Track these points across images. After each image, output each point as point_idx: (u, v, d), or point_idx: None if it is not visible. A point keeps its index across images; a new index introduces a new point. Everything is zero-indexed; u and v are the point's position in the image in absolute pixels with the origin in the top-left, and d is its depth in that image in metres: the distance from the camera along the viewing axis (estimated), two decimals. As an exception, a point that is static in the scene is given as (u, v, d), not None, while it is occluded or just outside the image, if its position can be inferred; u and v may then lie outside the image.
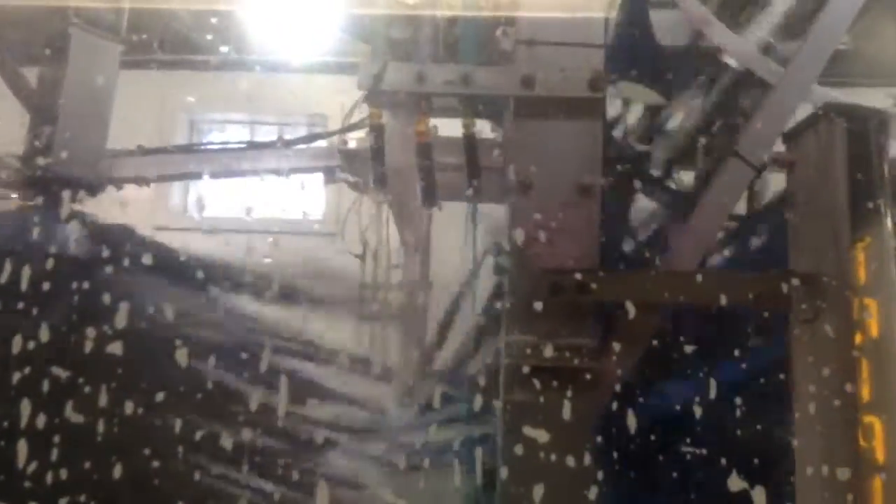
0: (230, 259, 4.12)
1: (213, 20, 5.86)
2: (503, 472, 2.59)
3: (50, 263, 3.17)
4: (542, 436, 2.56)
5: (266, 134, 7.75)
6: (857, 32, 3.78)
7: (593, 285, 2.65)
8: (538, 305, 2.62)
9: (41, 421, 2.85)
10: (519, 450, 2.57)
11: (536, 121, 2.76)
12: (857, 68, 4.63)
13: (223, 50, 6.31)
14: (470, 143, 2.93)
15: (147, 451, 3.11)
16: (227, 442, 3.07)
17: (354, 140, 4.97)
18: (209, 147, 4.69)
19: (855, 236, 2.62)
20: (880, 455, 2.48)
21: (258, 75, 6.74)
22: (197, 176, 4.51)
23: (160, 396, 3.11)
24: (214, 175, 4.37)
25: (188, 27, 6.04)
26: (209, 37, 6.24)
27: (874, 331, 2.59)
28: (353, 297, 5.43)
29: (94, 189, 3.71)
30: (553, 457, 2.51)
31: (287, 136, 7.71)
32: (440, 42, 3.06)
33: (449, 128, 3.31)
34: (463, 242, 3.49)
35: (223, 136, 7.78)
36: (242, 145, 4.60)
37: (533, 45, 2.79)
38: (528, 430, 2.54)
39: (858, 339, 2.58)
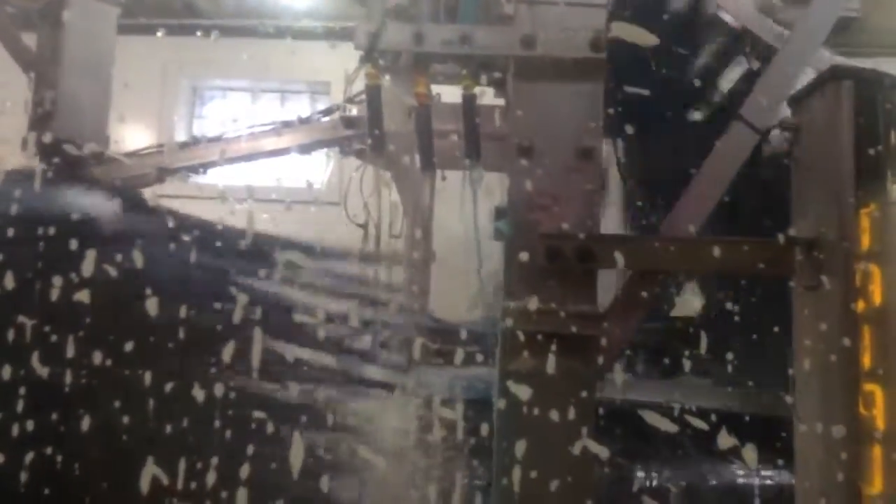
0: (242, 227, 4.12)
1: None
2: (499, 438, 2.57)
3: (57, 228, 3.17)
4: (540, 402, 2.54)
5: (268, 101, 7.71)
6: (865, 2, 3.71)
7: (593, 251, 2.62)
8: (537, 270, 2.59)
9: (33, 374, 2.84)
10: (516, 416, 2.55)
11: (537, 82, 2.70)
12: (866, 38, 4.55)
13: (225, 16, 6.25)
14: (469, 105, 2.88)
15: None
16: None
17: (356, 107, 4.95)
18: (231, 135, 4.65)
19: (859, 202, 2.58)
20: (880, 423, 2.46)
21: (260, 42, 6.69)
22: (224, 164, 4.52)
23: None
24: (240, 161, 4.41)
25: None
26: (211, 2, 6.17)
27: (877, 298, 2.55)
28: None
29: (97, 154, 3.70)
30: (551, 423, 2.49)
31: (289, 104, 7.70)
32: (440, 2, 3.00)
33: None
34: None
35: (225, 102, 7.74)
36: (267, 127, 4.60)
37: (534, 5, 2.73)
38: (525, 396, 2.52)
39: (861, 306, 2.55)
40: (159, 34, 5.89)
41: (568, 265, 2.63)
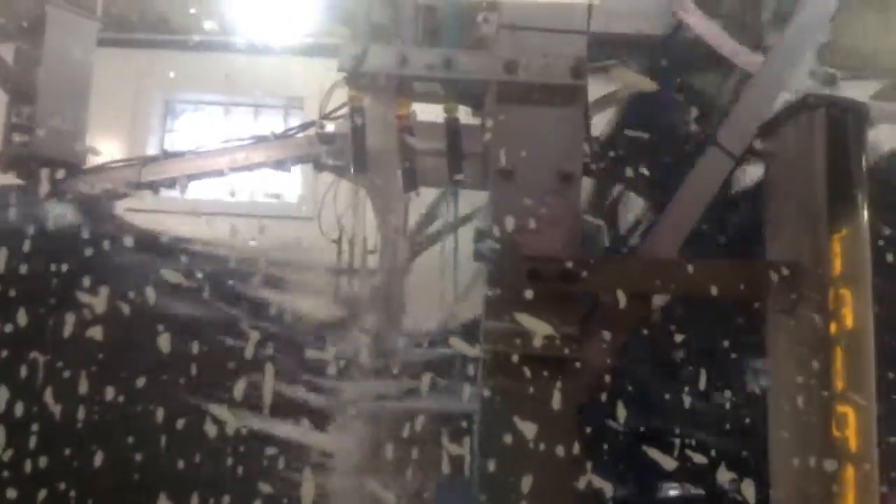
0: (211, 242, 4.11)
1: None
2: (482, 460, 2.58)
3: (34, 242, 3.14)
4: (521, 423, 2.56)
5: (241, 115, 7.68)
6: (836, 25, 3.80)
7: (575, 273, 2.65)
8: (518, 292, 2.61)
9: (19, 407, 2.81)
10: (498, 436, 2.57)
11: (519, 107, 2.74)
12: (836, 61, 4.67)
13: (200, 30, 6.22)
14: (452, 127, 2.90)
15: (128, 438, 3.09)
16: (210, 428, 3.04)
17: (332, 124, 4.96)
18: (205, 149, 4.64)
19: (832, 227, 2.65)
20: (853, 444, 2.52)
21: (234, 57, 6.66)
22: (197, 179, 4.51)
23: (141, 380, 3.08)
24: (213, 175, 4.40)
25: (165, 6, 5.94)
26: (186, 17, 6.14)
27: (849, 321, 2.62)
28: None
29: (74, 168, 3.67)
30: (533, 444, 2.51)
31: (263, 119, 7.68)
32: (421, 26, 3.03)
33: (427, 114, 3.29)
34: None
35: (197, 116, 7.69)
36: (242, 141, 4.59)
37: (516, 31, 2.77)
38: (507, 418, 2.54)
39: (833, 328, 2.61)
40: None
41: (549, 287, 2.66)
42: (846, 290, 2.62)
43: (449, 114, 2.89)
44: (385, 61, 2.74)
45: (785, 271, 2.70)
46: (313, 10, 4.71)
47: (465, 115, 3.40)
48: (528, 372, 2.59)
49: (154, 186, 5.07)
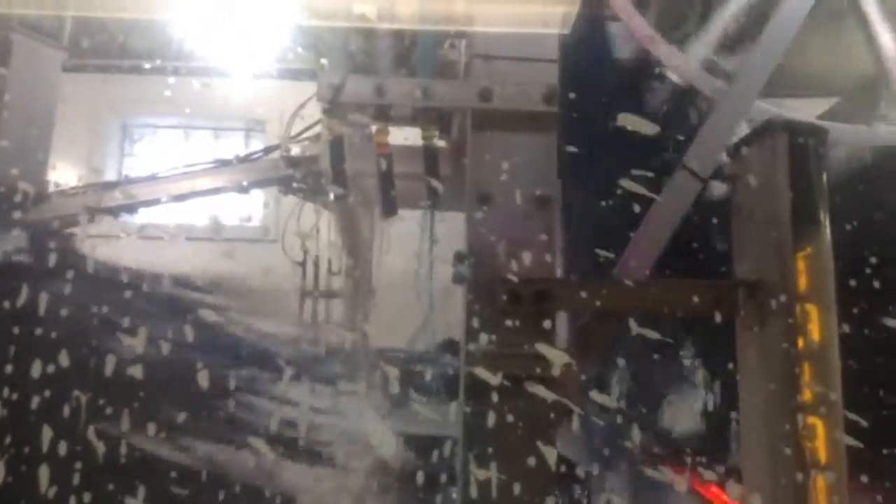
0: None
1: (153, 26, 5.76)
2: (464, 483, 2.62)
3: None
4: (503, 442, 2.61)
5: (201, 138, 7.63)
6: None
7: (552, 294, 2.72)
8: (499, 315, 2.67)
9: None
10: (480, 458, 2.61)
11: (494, 133, 2.81)
12: (787, 81, 4.85)
13: (159, 56, 6.20)
14: (430, 153, 2.96)
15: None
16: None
17: (297, 147, 4.98)
18: (166, 174, 4.62)
19: (796, 246, 2.76)
20: (822, 455, 2.62)
21: (192, 79, 6.64)
22: (157, 203, 4.48)
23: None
24: (175, 200, 4.37)
25: (125, 32, 5.90)
26: (145, 42, 6.11)
27: (815, 335, 2.73)
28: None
29: (38, 196, 3.63)
30: (515, 465, 2.56)
31: (223, 142, 7.65)
32: (396, 55, 3.09)
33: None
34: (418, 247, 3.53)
35: (156, 140, 7.62)
36: (204, 165, 4.58)
37: (489, 60, 2.85)
38: (489, 437, 2.58)
39: (800, 343, 2.72)
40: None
41: (527, 308, 2.73)
42: (812, 305, 2.73)
43: (427, 140, 2.94)
44: (363, 91, 2.78)
45: (752, 289, 2.80)
46: (280, 37, 4.73)
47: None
48: (509, 391, 2.64)
49: (114, 212, 5.02)
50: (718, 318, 2.78)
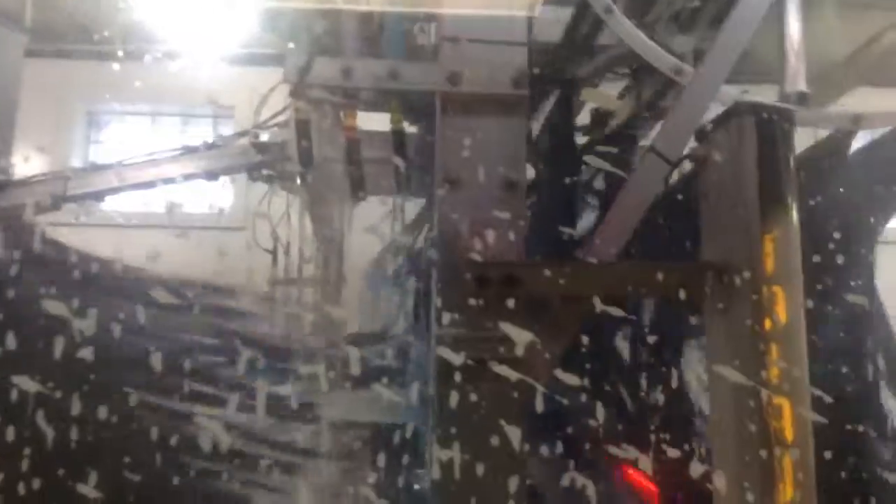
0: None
1: (118, 10, 5.67)
2: (434, 463, 2.62)
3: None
4: (473, 425, 2.61)
5: (169, 125, 7.54)
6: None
7: (521, 277, 2.71)
8: (467, 298, 2.66)
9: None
10: (451, 440, 2.61)
11: (463, 117, 2.80)
12: (752, 67, 4.86)
13: (125, 40, 6.09)
14: (398, 138, 2.94)
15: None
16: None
17: (266, 133, 4.93)
18: (133, 161, 4.55)
19: (764, 228, 2.78)
20: (789, 434, 2.65)
21: (160, 65, 6.54)
22: (125, 191, 4.42)
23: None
24: (142, 187, 4.31)
25: (90, 16, 5.80)
26: (110, 26, 6.01)
27: (782, 317, 2.75)
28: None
29: (2, 184, 3.56)
30: (485, 447, 2.56)
31: (191, 128, 7.56)
32: (363, 37, 3.06)
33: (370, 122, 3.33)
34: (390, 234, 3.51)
35: (123, 126, 7.51)
36: (172, 152, 4.52)
37: (458, 42, 2.82)
38: (460, 422, 2.58)
39: (767, 325, 2.74)
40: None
41: (495, 291, 2.72)
42: (778, 286, 2.75)
43: (395, 124, 2.92)
44: (330, 73, 2.75)
45: (720, 270, 2.82)
46: (247, 20, 4.67)
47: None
48: (479, 375, 2.64)
49: (80, 200, 4.94)
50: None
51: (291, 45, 2.89)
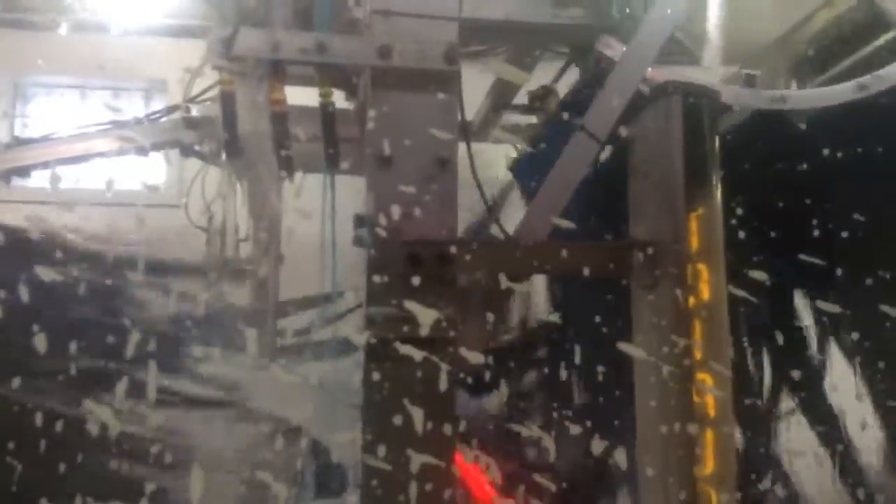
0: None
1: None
2: (367, 444, 2.60)
3: None
4: (403, 404, 2.60)
5: (98, 99, 7.30)
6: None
7: (453, 256, 2.71)
8: (399, 277, 2.64)
9: None
10: (380, 420, 2.60)
11: (394, 92, 2.76)
12: (686, 48, 4.91)
13: (53, 9, 5.88)
14: (327, 113, 2.89)
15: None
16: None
17: (198, 107, 4.81)
18: (61, 136, 4.41)
19: (689, 207, 2.83)
20: (711, 409, 2.72)
21: (89, 37, 6.34)
22: (53, 166, 4.28)
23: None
24: (70, 162, 4.18)
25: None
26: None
27: (705, 294, 2.81)
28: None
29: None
30: (415, 426, 2.55)
31: (122, 102, 7.34)
32: (293, 8, 2.99)
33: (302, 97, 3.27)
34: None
35: (50, 100, 7.26)
36: (101, 126, 4.38)
37: (389, 16, 2.78)
38: (392, 402, 2.57)
39: (692, 301, 2.80)
40: None
41: (428, 271, 2.71)
42: (703, 265, 2.81)
43: (324, 99, 2.87)
44: (256, 45, 2.68)
45: (647, 249, 2.86)
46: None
47: (340, 98, 3.40)
48: (409, 354, 2.62)
49: (6, 175, 4.78)
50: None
51: (218, 17, 2.82)
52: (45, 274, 2.94)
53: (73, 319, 3.29)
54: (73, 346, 3.05)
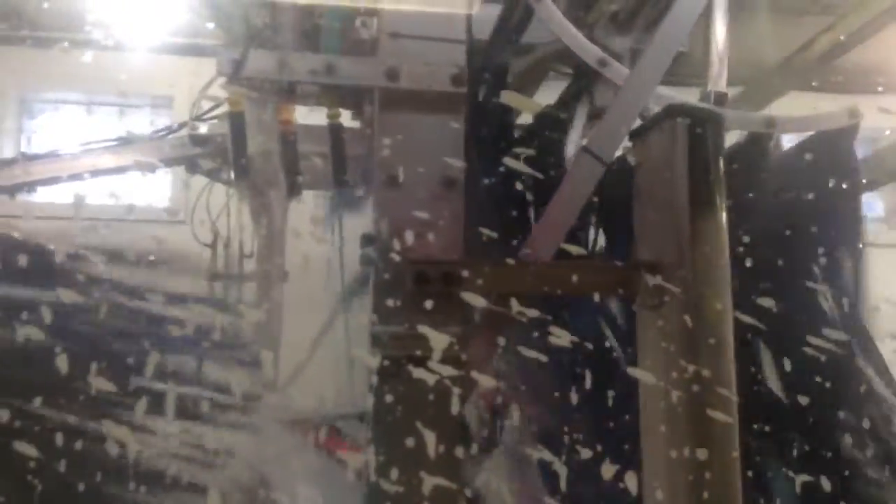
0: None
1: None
2: (378, 465, 2.61)
3: None
4: (413, 424, 2.61)
5: (105, 115, 7.35)
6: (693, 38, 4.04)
7: (459, 275, 2.72)
8: (406, 296, 2.66)
9: None
10: (390, 440, 2.61)
11: (401, 114, 2.79)
12: (689, 70, 4.94)
13: (60, 26, 5.92)
14: (336, 132, 2.91)
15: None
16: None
17: (206, 125, 4.84)
18: (67, 151, 4.44)
19: (693, 229, 2.84)
20: (715, 434, 2.71)
21: (97, 53, 6.37)
22: (58, 182, 4.30)
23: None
24: (77, 178, 4.20)
25: (22, 0, 5.62)
26: (46, 12, 5.83)
27: (710, 315, 2.81)
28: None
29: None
30: (425, 447, 2.56)
31: (128, 119, 7.38)
32: (301, 30, 3.02)
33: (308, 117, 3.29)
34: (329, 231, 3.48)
35: (57, 116, 7.30)
36: (111, 142, 4.41)
37: (397, 38, 2.81)
38: (402, 423, 2.58)
39: (696, 323, 2.80)
40: None
41: (434, 289, 2.72)
42: (707, 286, 2.81)
43: (332, 119, 2.89)
44: (265, 66, 2.71)
45: (651, 270, 2.87)
46: (184, 9, 4.57)
47: (347, 116, 3.43)
48: (416, 374, 2.63)
49: (11, 191, 4.80)
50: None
51: (226, 38, 2.85)
52: (67, 296, 2.95)
53: (93, 338, 3.28)
54: (93, 367, 3.05)
